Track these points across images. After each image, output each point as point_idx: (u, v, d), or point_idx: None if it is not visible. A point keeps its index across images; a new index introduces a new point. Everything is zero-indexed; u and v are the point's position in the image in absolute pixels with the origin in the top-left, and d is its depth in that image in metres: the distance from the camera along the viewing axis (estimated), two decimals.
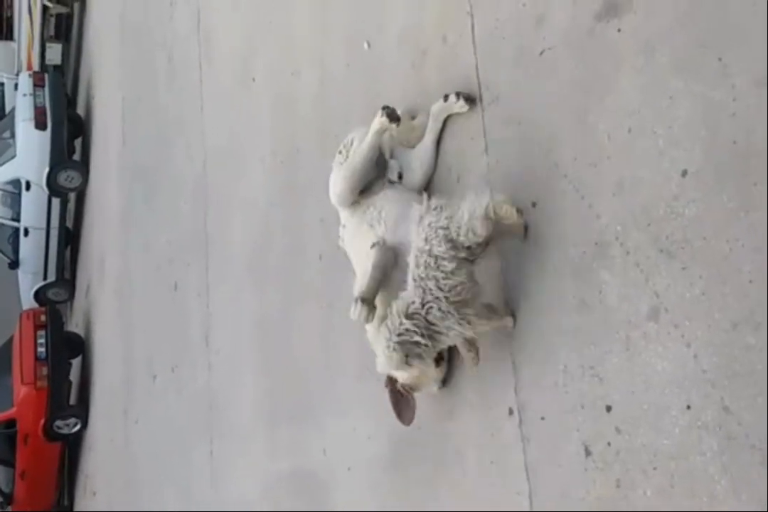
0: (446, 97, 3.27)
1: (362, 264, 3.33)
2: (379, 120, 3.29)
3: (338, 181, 3.42)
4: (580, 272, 2.70)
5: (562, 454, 2.76)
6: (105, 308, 11.04)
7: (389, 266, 3.16)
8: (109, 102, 11.16)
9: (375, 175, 3.38)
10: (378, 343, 3.10)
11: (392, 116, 3.26)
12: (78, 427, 11.61)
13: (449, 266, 2.84)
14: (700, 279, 2.28)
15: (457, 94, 3.23)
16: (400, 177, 3.40)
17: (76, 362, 12.30)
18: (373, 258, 3.18)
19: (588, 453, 2.66)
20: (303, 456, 4.74)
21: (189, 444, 6.88)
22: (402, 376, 3.20)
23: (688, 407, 2.31)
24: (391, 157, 3.43)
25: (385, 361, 3.08)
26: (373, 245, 3.20)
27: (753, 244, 2.13)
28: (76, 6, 13.23)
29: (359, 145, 3.37)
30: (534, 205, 2.90)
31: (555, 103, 2.81)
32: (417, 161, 3.40)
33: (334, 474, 4.32)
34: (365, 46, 4.02)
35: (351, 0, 4.26)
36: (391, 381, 3.25)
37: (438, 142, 3.40)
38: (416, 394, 3.21)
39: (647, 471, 2.44)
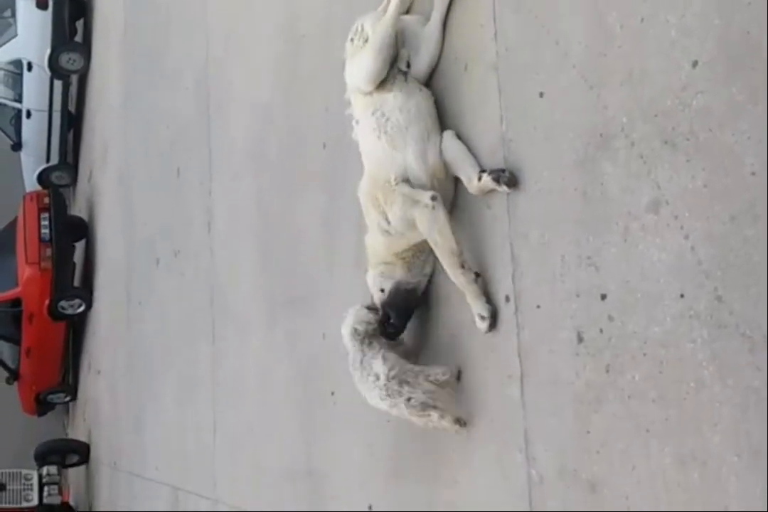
0: None
1: (370, 170, 3.37)
2: None
3: (368, 62, 3.34)
4: (583, 163, 2.71)
5: (555, 340, 2.84)
6: (108, 193, 11.07)
7: None
8: None
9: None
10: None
11: None
12: (82, 308, 11.83)
13: None
14: (702, 171, 2.29)
15: None
16: (408, 66, 3.37)
17: (79, 245, 12.41)
18: None
19: (580, 339, 2.73)
20: (302, 340, 4.86)
21: (191, 328, 7.03)
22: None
23: (681, 296, 2.36)
24: (402, 45, 3.39)
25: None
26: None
27: (758, 136, 2.13)
28: None
29: (383, 19, 3.31)
30: (542, 95, 2.89)
31: None
32: (424, 45, 3.36)
33: (334, 356, 4.43)
34: None
35: None
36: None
37: (444, 23, 3.34)
38: None
39: (637, 357, 2.51)
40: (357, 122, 3.45)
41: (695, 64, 2.30)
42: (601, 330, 2.64)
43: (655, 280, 2.45)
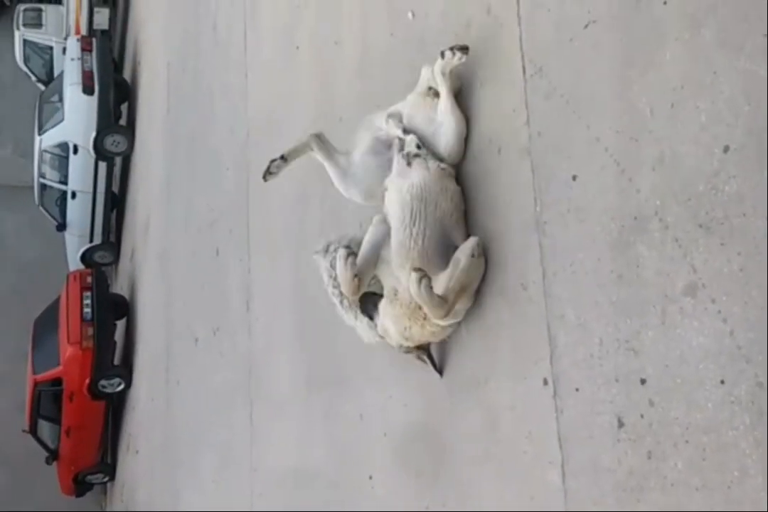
0: (443, 54, 3.34)
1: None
2: (443, 61, 3.36)
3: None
4: (617, 246, 2.71)
5: (594, 425, 2.79)
6: (149, 271, 11.22)
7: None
8: (155, 67, 11.24)
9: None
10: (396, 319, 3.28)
11: (462, 47, 3.30)
12: (122, 386, 11.87)
13: None
14: (738, 255, 2.28)
15: (451, 49, 3.31)
16: (419, 147, 3.43)
17: (120, 324, 12.52)
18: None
19: (621, 424, 2.69)
20: (340, 421, 4.82)
21: (229, 407, 7.01)
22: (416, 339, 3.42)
23: (722, 382, 2.32)
24: (405, 132, 3.48)
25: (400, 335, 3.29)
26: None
27: None
28: None
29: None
30: (574, 178, 2.91)
31: (598, 76, 2.80)
32: (442, 122, 3.43)
33: (371, 439, 4.39)
34: (410, 15, 4.01)
35: None
36: (407, 349, 3.48)
37: (456, 97, 3.45)
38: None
39: (679, 444, 2.46)
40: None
41: (726, 149, 2.31)
42: (642, 416, 2.60)
43: (695, 365, 2.41)
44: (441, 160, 3.44)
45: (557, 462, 2.97)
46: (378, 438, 4.31)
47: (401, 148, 3.49)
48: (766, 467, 2.19)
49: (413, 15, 3.99)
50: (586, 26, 2.83)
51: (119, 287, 13.67)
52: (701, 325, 2.40)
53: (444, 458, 3.65)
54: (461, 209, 3.43)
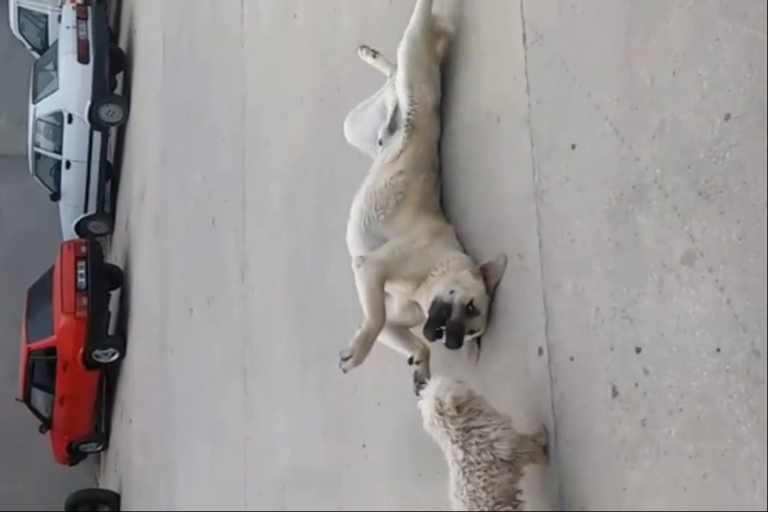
0: None
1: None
2: None
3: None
4: (616, 215, 2.70)
5: (589, 394, 2.80)
6: (144, 242, 11.20)
7: None
8: (151, 37, 11.15)
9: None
10: None
11: None
12: (116, 356, 11.90)
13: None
14: (737, 223, 2.28)
15: None
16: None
17: (115, 294, 12.52)
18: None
19: (615, 393, 2.69)
20: (335, 393, 4.83)
21: (223, 378, 7.03)
22: None
23: (718, 350, 2.33)
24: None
25: None
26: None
27: None
28: None
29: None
30: (574, 146, 2.90)
31: (600, 44, 2.78)
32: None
33: (365, 408, 4.40)
34: None
35: None
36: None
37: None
38: None
39: (673, 412, 2.47)
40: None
41: (728, 117, 2.30)
42: (636, 384, 2.60)
43: (691, 334, 2.42)
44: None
45: (550, 430, 2.97)
46: (372, 407, 4.33)
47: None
48: (762, 435, 2.20)
49: None
50: None
51: (114, 257, 13.65)
52: (698, 294, 2.40)
53: None
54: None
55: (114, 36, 13.71)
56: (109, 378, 12.67)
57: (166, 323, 9.43)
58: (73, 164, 12.91)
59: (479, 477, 2.59)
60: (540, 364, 3.05)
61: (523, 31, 3.14)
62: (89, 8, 13.00)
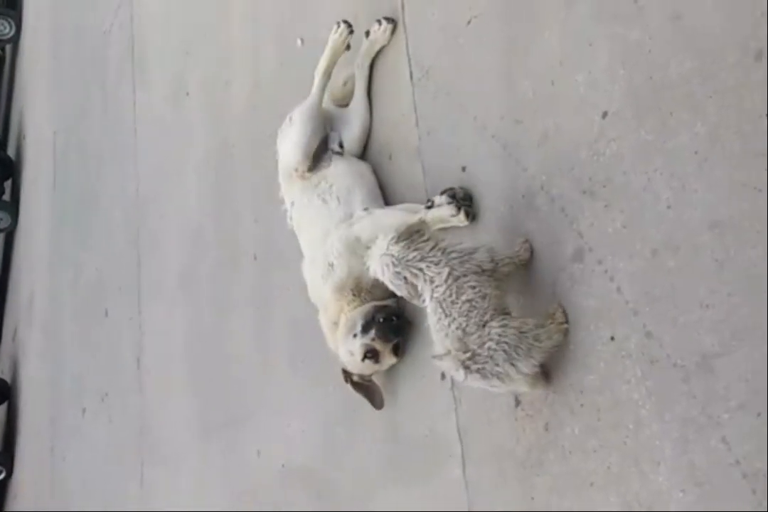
0: (367, 33, 3.41)
1: (313, 239, 3.35)
2: (334, 36, 3.44)
3: (296, 136, 3.42)
4: (507, 227, 2.78)
5: (492, 409, 2.80)
6: (32, 349, 10.79)
7: None
8: (41, 139, 11.08)
9: (319, 145, 3.44)
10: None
11: (388, 18, 3.33)
12: (2, 475, 11.24)
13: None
14: (621, 213, 2.37)
15: (378, 21, 3.37)
16: (341, 146, 3.45)
17: (1, 409, 11.94)
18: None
19: (518, 402, 2.70)
20: (237, 460, 4.68)
21: (119, 474, 6.72)
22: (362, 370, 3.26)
23: (612, 338, 2.37)
24: (331, 129, 3.50)
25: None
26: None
27: (670, 170, 2.23)
28: (8, 48, 13.22)
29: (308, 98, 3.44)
30: (464, 169, 2.99)
31: (482, 69, 2.92)
32: (353, 118, 3.47)
33: (269, 472, 4.27)
34: (298, 42, 4.12)
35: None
36: (349, 376, 3.30)
37: (369, 94, 3.48)
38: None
39: (574, 409, 2.49)
40: (292, 204, 3.46)
41: (605, 114, 2.43)
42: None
43: (586, 328, 2.46)
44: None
45: (457, 455, 2.94)
46: (276, 470, 4.21)
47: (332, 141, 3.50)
48: (660, 414, 2.23)
49: (302, 42, 4.10)
50: (468, 22, 2.96)
51: (0, 370, 13.09)
52: (590, 288, 2.46)
53: (344, 464, 3.58)
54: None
55: (2, 143, 13.60)
56: None
57: (56, 430, 9.02)
58: None
59: (472, 287, 2.48)
60: (443, 389, 3.04)
61: (410, 68, 3.28)
62: None
